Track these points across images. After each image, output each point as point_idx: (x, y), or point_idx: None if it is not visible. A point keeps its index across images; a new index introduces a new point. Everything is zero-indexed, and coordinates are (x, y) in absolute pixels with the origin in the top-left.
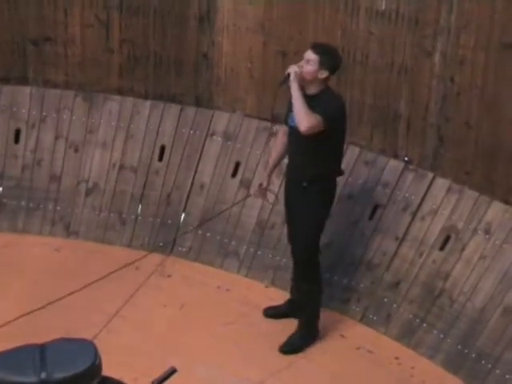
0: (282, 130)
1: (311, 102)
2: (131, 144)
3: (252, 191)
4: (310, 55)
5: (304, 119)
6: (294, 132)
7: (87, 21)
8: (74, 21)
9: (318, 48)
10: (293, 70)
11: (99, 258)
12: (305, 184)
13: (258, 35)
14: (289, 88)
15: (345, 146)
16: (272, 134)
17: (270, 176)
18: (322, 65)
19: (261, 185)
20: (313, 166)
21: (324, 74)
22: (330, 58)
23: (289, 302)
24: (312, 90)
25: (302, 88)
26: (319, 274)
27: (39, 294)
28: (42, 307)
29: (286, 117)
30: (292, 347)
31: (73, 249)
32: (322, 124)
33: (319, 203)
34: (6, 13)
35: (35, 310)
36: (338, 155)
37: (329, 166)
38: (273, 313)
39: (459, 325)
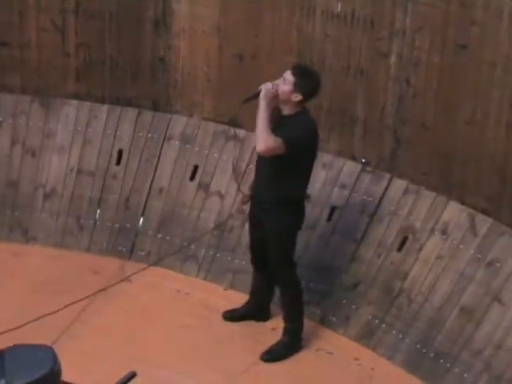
0: None
1: (284, 121)
2: (89, 148)
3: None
4: (288, 75)
5: (262, 140)
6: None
7: (43, 25)
8: (30, 24)
9: (296, 69)
10: (265, 87)
11: (58, 264)
12: (266, 206)
13: (214, 38)
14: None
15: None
16: (230, 138)
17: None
18: (296, 87)
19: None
20: (275, 188)
21: (298, 98)
22: (306, 82)
23: (247, 304)
24: (286, 110)
25: (276, 107)
26: (297, 283)
27: None
28: None
29: None
30: (274, 356)
31: (31, 254)
32: (281, 147)
33: (282, 225)
34: None
35: None
36: (304, 179)
37: (292, 190)
38: (232, 316)
39: (417, 325)
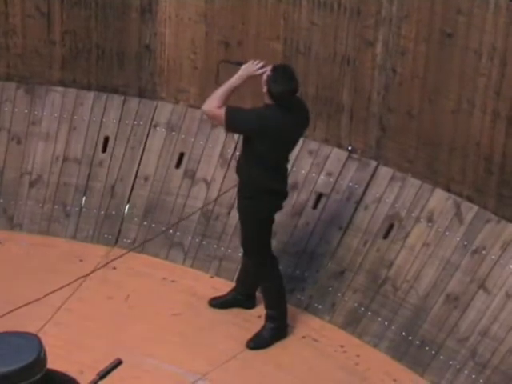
0: None
1: None
2: (74, 135)
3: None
4: (270, 68)
5: (211, 99)
6: None
7: (28, 11)
8: (15, 10)
9: (275, 67)
10: (252, 62)
11: (43, 251)
12: (240, 194)
13: (200, 25)
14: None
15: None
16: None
17: None
18: (267, 82)
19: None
20: (243, 173)
21: (264, 91)
22: (276, 82)
23: (234, 291)
24: (264, 99)
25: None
26: (273, 271)
27: None
28: None
29: None
30: (259, 343)
31: (16, 241)
32: (221, 116)
33: (242, 210)
34: None
35: None
36: (264, 171)
37: (254, 178)
38: (218, 303)
39: (403, 312)
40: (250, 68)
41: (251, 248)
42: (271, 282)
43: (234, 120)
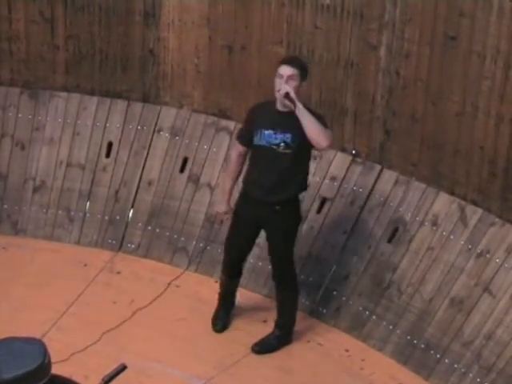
0: (236, 152)
1: (290, 117)
2: (78, 141)
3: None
4: (289, 70)
5: (324, 136)
6: (267, 151)
7: (32, 16)
8: (18, 16)
9: (293, 61)
10: (287, 88)
11: (47, 256)
12: (278, 207)
13: (203, 30)
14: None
15: None
16: (220, 129)
17: (229, 201)
18: (301, 78)
19: (226, 213)
20: (289, 187)
21: (303, 86)
22: (305, 68)
23: (227, 315)
24: (280, 105)
25: (270, 104)
26: (296, 279)
27: None
28: None
29: (247, 136)
30: (265, 347)
31: (21, 247)
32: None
33: (293, 224)
34: None
35: None
36: (307, 174)
37: (301, 185)
38: (223, 327)
39: (408, 316)
40: (290, 92)
41: (289, 260)
42: (295, 293)
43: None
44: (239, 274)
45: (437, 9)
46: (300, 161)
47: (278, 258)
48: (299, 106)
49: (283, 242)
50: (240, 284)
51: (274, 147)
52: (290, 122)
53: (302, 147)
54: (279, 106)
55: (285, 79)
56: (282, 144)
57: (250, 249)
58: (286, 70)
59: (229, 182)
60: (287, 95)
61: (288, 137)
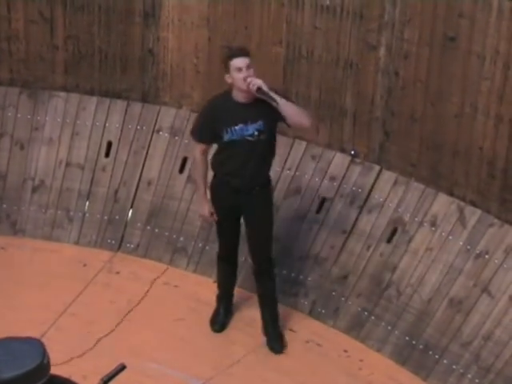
0: (200, 151)
1: (257, 104)
2: (77, 140)
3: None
4: (247, 60)
5: (306, 116)
6: (242, 144)
7: (31, 16)
8: (18, 15)
9: (244, 50)
10: (258, 83)
11: (46, 256)
12: (256, 191)
13: (203, 30)
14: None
15: (291, 141)
16: None
17: (208, 201)
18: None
19: (212, 213)
20: (266, 169)
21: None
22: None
23: (228, 309)
24: (250, 97)
25: (229, 98)
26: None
27: None
28: None
29: (209, 135)
30: (282, 344)
31: (19, 247)
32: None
33: (270, 204)
34: None
35: None
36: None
37: (272, 164)
38: (221, 327)
39: (406, 317)
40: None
41: (271, 243)
42: (275, 282)
43: None
44: (236, 263)
45: (436, 9)
46: (272, 142)
47: (262, 243)
48: (277, 98)
49: (266, 222)
50: (237, 284)
51: (249, 138)
52: (256, 110)
53: (273, 128)
54: (240, 98)
55: (244, 71)
56: (256, 132)
57: (239, 233)
58: (241, 62)
59: (202, 183)
60: (259, 89)
61: (260, 124)
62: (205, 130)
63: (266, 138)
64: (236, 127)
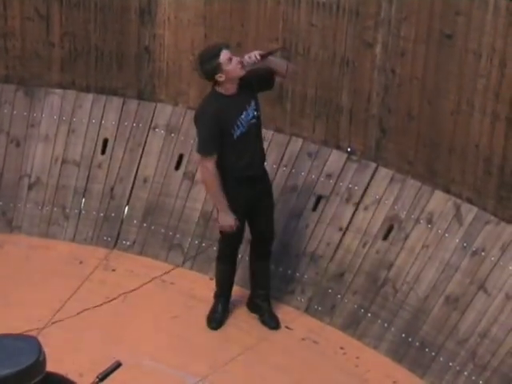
0: (212, 164)
1: (242, 91)
2: (73, 138)
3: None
4: (229, 50)
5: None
6: (249, 131)
7: (27, 13)
8: (14, 13)
9: (224, 44)
10: (253, 52)
11: (42, 253)
12: (263, 175)
13: (199, 27)
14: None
15: (287, 138)
16: None
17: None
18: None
19: (237, 219)
20: (263, 153)
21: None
22: None
23: (226, 307)
24: (235, 87)
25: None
26: None
27: None
28: None
29: (217, 144)
30: (277, 319)
31: (15, 244)
32: None
33: (271, 185)
34: None
35: None
36: None
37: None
38: (218, 324)
39: (403, 314)
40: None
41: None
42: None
43: None
44: (235, 263)
45: (433, 7)
46: (260, 116)
47: (271, 219)
48: (277, 47)
49: (272, 197)
50: (234, 282)
51: (253, 121)
52: (244, 93)
53: (258, 100)
54: (230, 91)
55: (233, 57)
56: (255, 113)
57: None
58: (228, 52)
59: (222, 195)
60: (261, 56)
61: (253, 103)
62: (214, 141)
63: (259, 113)
64: (242, 117)
